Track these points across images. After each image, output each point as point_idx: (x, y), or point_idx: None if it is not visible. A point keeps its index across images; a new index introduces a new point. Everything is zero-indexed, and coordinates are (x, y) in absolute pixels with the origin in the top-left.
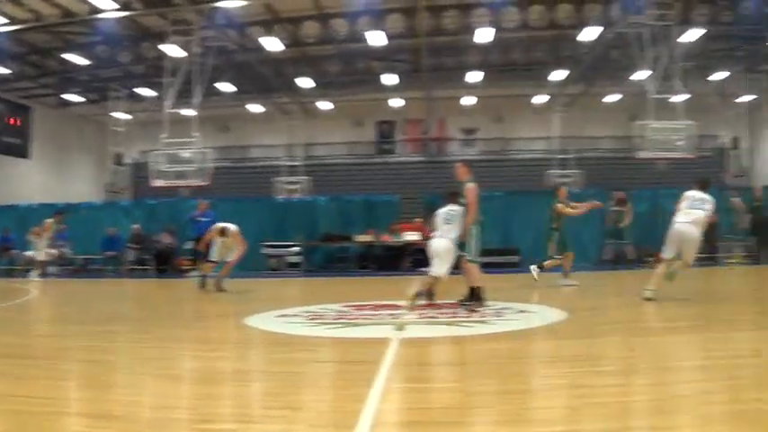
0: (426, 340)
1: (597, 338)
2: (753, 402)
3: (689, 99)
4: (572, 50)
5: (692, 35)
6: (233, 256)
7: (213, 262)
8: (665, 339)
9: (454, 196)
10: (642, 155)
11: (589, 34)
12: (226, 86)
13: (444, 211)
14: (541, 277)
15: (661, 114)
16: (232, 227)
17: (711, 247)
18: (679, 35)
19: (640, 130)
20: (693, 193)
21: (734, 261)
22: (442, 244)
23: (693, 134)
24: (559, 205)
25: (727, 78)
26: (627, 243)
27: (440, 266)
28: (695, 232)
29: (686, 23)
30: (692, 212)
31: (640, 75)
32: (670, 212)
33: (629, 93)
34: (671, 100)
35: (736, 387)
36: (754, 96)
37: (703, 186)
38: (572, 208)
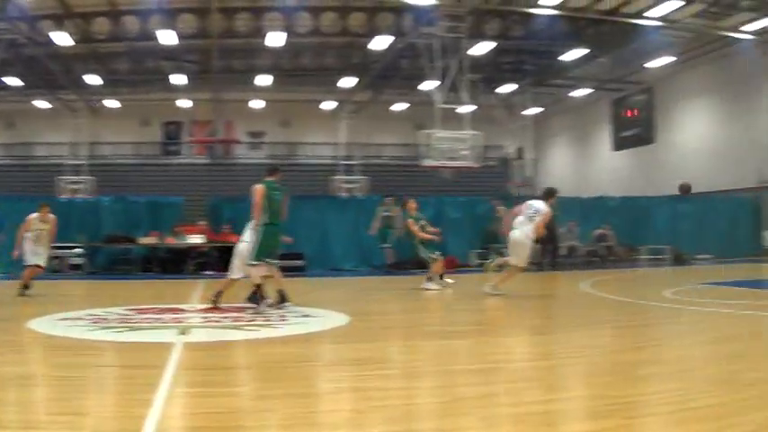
0: (211, 344)
1: (381, 342)
2: (538, 404)
3: (476, 110)
4: (362, 58)
5: (482, 48)
6: (44, 250)
7: (32, 266)
8: (448, 343)
9: None
10: (427, 163)
11: (380, 43)
12: (13, 81)
13: None
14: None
15: (448, 124)
16: (51, 215)
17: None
18: (469, 47)
19: (426, 139)
20: (530, 203)
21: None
22: (240, 247)
23: (479, 144)
24: (410, 221)
25: (514, 91)
26: (388, 247)
27: (237, 269)
28: (519, 236)
29: (477, 36)
30: (520, 220)
31: (428, 85)
32: (453, 219)
33: (416, 102)
34: (458, 110)
35: (521, 389)
36: (541, 109)
37: (544, 196)
38: (421, 225)
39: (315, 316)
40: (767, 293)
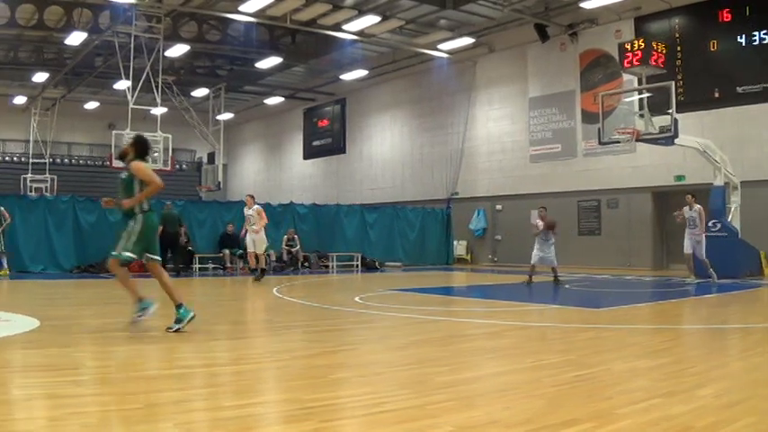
0: None
1: (72, 347)
2: (233, 409)
3: (169, 112)
4: (57, 53)
5: (178, 50)
6: None
7: None
8: (141, 348)
9: None
10: (117, 163)
11: (76, 39)
12: None
13: None
14: None
15: (141, 125)
16: None
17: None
18: (165, 49)
19: (118, 139)
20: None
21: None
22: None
23: (170, 147)
24: None
25: (208, 95)
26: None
27: None
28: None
29: (173, 38)
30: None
31: (122, 84)
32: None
33: (110, 101)
34: (151, 112)
35: (216, 394)
36: (232, 115)
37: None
38: None
39: (3, 320)
40: (453, 300)
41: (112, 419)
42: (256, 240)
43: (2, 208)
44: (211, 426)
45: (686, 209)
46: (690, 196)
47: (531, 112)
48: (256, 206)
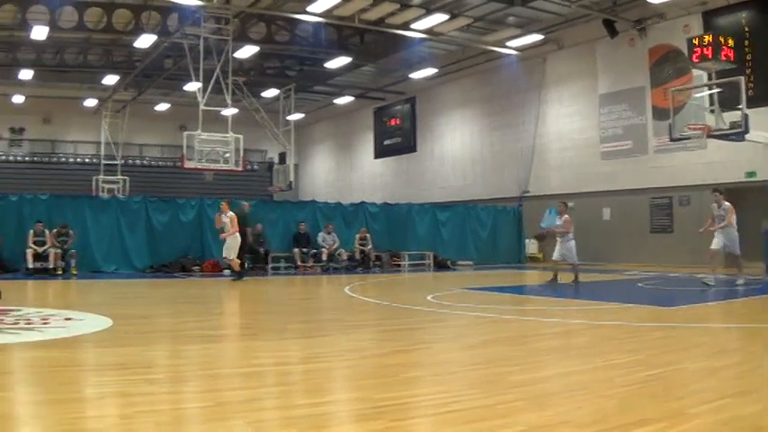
0: None
1: (145, 346)
2: (305, 407)
3: (240, 113)
4: (126, 56)
5: (247, 51)
6: None
7: None
8: (213, 347)
9: None
10: (189, 165)
11: (145, 41)
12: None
13: None
14: None
15: (211, 126)
16: None
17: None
18: (234, 50)
19: (189, 140)
20: None
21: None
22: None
23: (241, 147)
24: None
25: (278, 96)
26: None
27: None
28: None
29: (242, 39)
30: None
31: (192, 86)
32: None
33: (180, 103)
34: (222, 113)
35: (287, 393)
36: (302, 115)
37: None
38: None
39: (77, 319)
40: (525, 299)
41: (184, 417)
42: (231, 246)
43: (71, 231)
44: (282, 424)
45: (714, 206)
46: (718, 193)
47: (602, 108)
48: (231, 213)
